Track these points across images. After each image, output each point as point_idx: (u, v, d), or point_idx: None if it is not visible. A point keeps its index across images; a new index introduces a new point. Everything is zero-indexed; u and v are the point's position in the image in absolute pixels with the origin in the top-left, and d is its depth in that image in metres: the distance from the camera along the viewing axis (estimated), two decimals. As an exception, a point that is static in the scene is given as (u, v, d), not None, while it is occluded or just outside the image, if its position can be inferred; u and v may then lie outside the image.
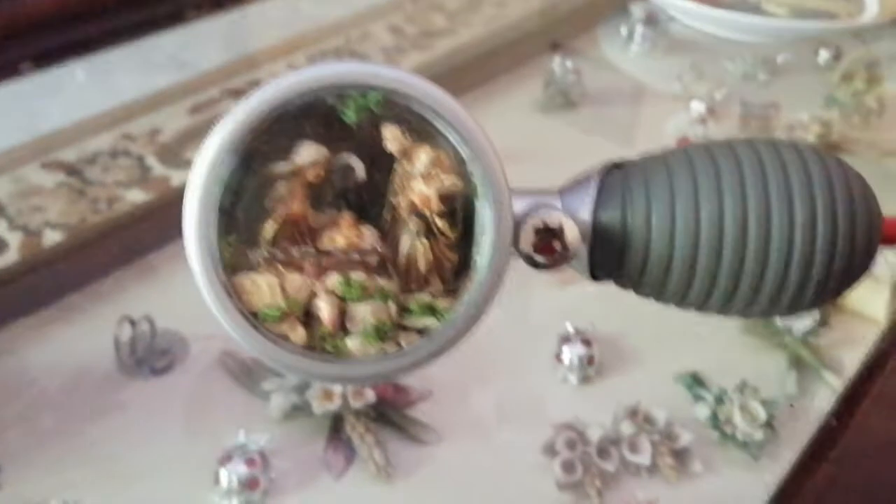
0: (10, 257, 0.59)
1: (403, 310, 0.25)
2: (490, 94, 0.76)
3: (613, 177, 0.27)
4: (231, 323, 0.24)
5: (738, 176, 0.26)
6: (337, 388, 0.48)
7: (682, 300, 0.27)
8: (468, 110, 0.25)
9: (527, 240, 0.26)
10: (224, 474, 0.43)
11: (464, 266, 0.26)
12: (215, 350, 0.50)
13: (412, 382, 0.50)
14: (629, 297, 0.57)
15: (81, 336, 0.51)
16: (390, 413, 0.48)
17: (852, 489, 0.26)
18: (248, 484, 0.43)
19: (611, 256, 0.27)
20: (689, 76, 0.74)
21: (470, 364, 0.52)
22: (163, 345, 0.50)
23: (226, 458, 0.43)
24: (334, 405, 0.48)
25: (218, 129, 0.24)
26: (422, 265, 0.25)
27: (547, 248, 0.26)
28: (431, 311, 0.25)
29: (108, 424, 0.47)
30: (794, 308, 0.26)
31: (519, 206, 0.26)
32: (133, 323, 0.49)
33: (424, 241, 0.25)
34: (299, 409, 0.48)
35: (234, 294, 0.24)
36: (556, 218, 0.26)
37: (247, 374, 0.49)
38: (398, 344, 0.25)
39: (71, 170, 0.73)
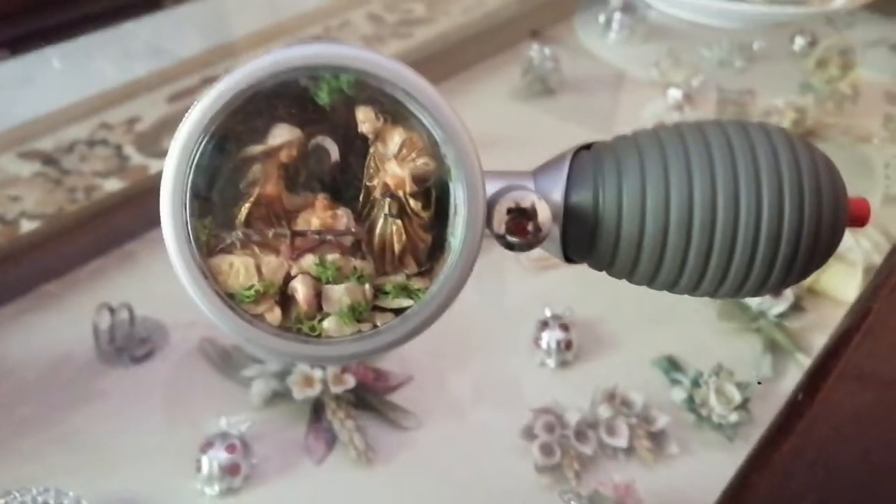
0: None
1: (379, 291, 0.26)
2: (469, 82, 0.77)
3: (585, 159, 0.28)
4: (207, 304, 0.24)
5: (707, 157, 0.26)
6: (317, 374, 0.48)
7: (653, 280, 0.28)
8: (442, 93, 0.25)
9: (500, 220, 0.26)
10: (205, 461, 0.43)
11: (438, 247, 0.26)
12: (195, 337, 0.50)
13: (393, 368, 0.50)
14: (607, 282, 0.58)
15: (60, 325, 0.51)
16: (371, 398, 0.48)
17: (817, 460, 0.26)
18: (229, 470, 0.43)
19: (583, 237, 0.27)
20: (665, 63, 0.75)
21: (449, 350, 0.52)
22: (142, 333, 0.50)
23: (207, 445, 0.44)
24: (315, 391, 0.48)
25: (192, 113, 0.24)
26: (396, 246, 0.26)
27: (520, 228, 0.26)
28: (406, 291, 0.26)
29: (88, 412, 0.47)
30: (763, 288, 0.27)
31: (492, 187, 0.26)
32: (112, 311, 0.49)
33: (398, 221, 0.26)
34: (280, 396, 0.48)
35: (211, 275, 0.25)
36: (528, 199, 0.26)
37: (227, 361, 0.49)
38: (374, 324, 0.25)
39: (48, 159, 0.73)
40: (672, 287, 0.28)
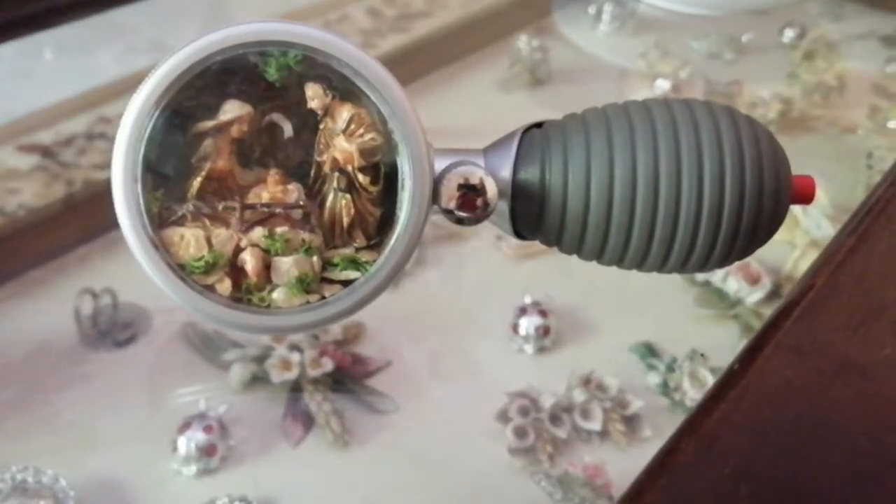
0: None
1: (327, 263, 0.26)
2: (456, 73, 0.77)
3: (535, 136, 0.28)
4: (158, 275, 0.25)
5: (651, 134, 0.27)
6: (295, 358, 0.49)
7: (600, 255, 0.28)
8: (387, 70, 0.26)
9: (449, 196, 0.27)
10: (182, 441, 0.44)
11: (387, 221, 0.27)
12: (177, 322, 0.51)
13: (371, 353, 0.51)
14: (587, 271, 0.58)
15: (44, 310, 0.52)
16: (348, 382, 0.49)
17: (745, 426, 0.27)
18: (206, 450, 0.44)
19: (531, 213, 0.28)
20: (653, 54, 0.75)
21: (428, 336, 0.53)
22: (125, 317, 0.51)
23: (184, 426, 0.44)
24: (293, 374, 0.49)
25: (143, 87, 0.25)
26: (345, 219, 0.26)
27: (469, 204, 0.27)
28: (355, 264, 0.26)
29: (71, 395, 0.48)
30: (708, 262, 0.27)
31: (441, 163, 0.27)
32: (95, 295, 0.50)
33: (347, 196, 0.26)
34: (258, 379, 0.49)
35: (162, 247, 0.25)
36: (476, 174, 0.26)
37: (208, 346, 0.50)
38: (322, 296, 0.26)
39: (46, 152, 0.74)
40: (619, 262, 0.29)
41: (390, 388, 0.49)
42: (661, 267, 0.28)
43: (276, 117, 0.26)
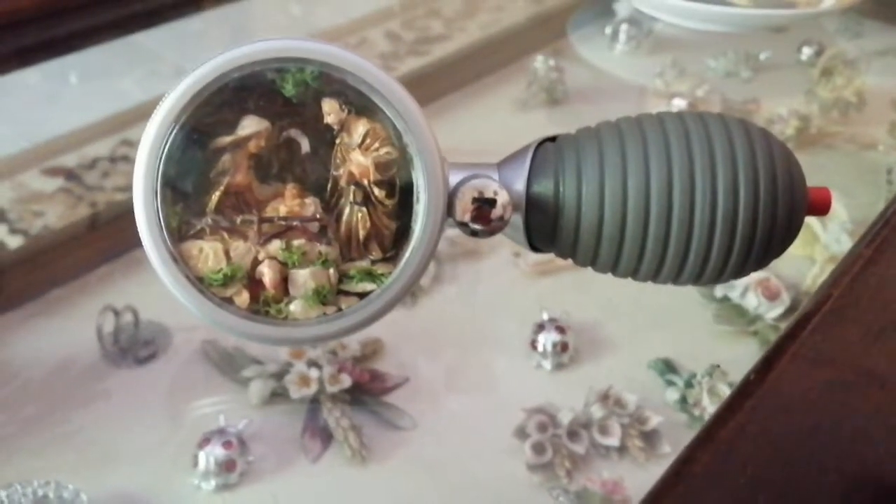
0: (1, 253, 0.61)
1: (344, 275, 0.27)
2: (474, 94, 0.78)
3: (548, 150, 0.29)
4: (177, 287, 0.26)
5: (664, 147, 0.27)
6: (314, 374, 0.49)
7: (615, 268, 0.28)
8: (401, 85, 0.26)
9: (463, 209, 0.27)
10: (202, 457, 0.44)
11: (403, 234, 0.27)
12: (197, 340, 0.52)
13: (389, 370, 0.51)
14: (605, 287, 0.58)
15: (67, 328, 0.53)
16: (366, 399, 0.49)
17: (761, 436, 0.27)
18: (226, 466, 0.44)
19: (545, 226, 0.28)
20: (670, 73, 0.76)
21: (446, 352, 0.53)
22: (146, 335, 0.52)
23: (204, 442, 0.45)
24: (311, 391, 0.49)
25: (162, 104, 0.26)
26: (360, 232, 0.27)
27: (483, 217, 0.27)
28: (370, 276, 0.27)
29: (91, 411, 0.48)
30: (723, 274, 0.27)
31: (456, 177, 0.27)
32: (116, 313, 0.50)
33: (363, 209, 0.27)
34: (277, 395, 0.49)
35: (182, 260, 0.26)
36: (490, 188, 0.27)
37: (227, 362, 0.51)
38: (338, 308, 0.26)
39: (70, 175, 0.75)
40: (634, 274, 0.29)
41: (408, 404, 0.49)
42: (676, 279, 0.28)
43: (294, 133, 0.27)
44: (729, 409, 0.28)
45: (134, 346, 0.51)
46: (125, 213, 0.64)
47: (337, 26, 1.04)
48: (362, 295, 0.27)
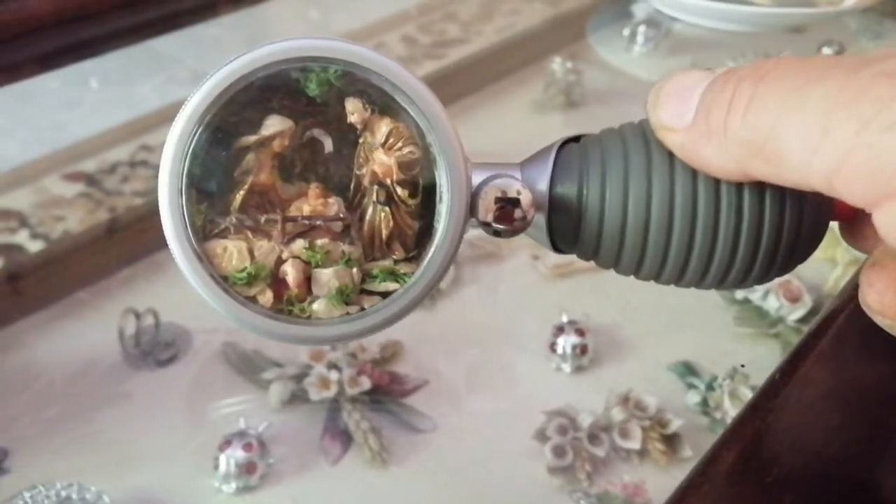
0: (22, 257, 0.61)
1: (367, 275, 0.27)
2: (492, 96, 0.78)
3: (572, 150, 0.28)
4: (202, 286, 0.26)
5: None
6: (333, 376, 0.49)
7: (637, 271, 0.28)
8: (425, 84, 0.26)
9: (486, 209, 0.27)
10: (223, 459, 0.44)
11: (426, 233, 0.27)
12: (218, 342, 0.52)
13: (409, 372, 0.51)
14: (624, 289, 0.58)
15: (89, 330, 0.53)
16: (386, 401, 0.49)
17: (787, 436, 0.26)
18: (246, 468, 0.44)
19: (568, 227, 0.28)
20: (689, 75, 0.75)
21: (466, 354, 0.53)
22: (167, 337, 0.52)
23: (225, 444, 0.45)
24: (331, 393, 0.49)
25: (187, 104, 0.26)
26: (384, 232, 0.27)
27: (506, 216, 0.27)
28: (393, 275, 0.27)
29: (113, 413, 0.48)
30: (747, 279, 0.27)
31: (479, 177, 0.27)
32: (138, 316, 0.51)
33: (386, 208, 0.27)
34: (297, 398, 0.49)
35: (206, 259, 0.26)
36: (513, 187, 0.27)
37: (248, 365, 0.51)
38: (361, 307, 0.26)
39: (90, 180, 0.76)
40: (657, 277, 0.28)
41: (428, 406, 0.49)
42: (700, 282, 0.28)
43: (317, 132, 0.27)
44: (754, 409, 0.28)
45: (155, 349, 0.51)
46: (144, 217, 0.65)
47: (353, 30, 1.05)
48: (385, 294, 0.27)
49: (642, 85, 0.81)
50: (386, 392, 0.50)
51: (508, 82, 0.80)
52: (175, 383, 0.50)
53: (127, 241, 0.61)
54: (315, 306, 0.26)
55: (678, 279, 0.28)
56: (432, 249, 0.26)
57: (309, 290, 0.26)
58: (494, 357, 0.53)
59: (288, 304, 0.26)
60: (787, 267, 0.28)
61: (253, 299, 0.26)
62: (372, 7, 1.09)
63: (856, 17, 0.85)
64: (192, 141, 0.26)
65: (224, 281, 0.26)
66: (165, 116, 0.85)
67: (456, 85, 0.83)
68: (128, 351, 0.51)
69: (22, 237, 0.66)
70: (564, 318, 0.52)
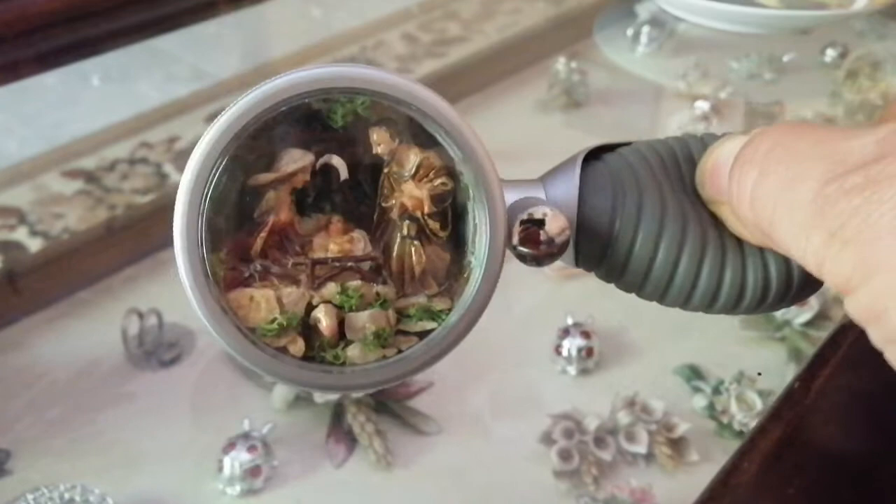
0: (23, 255, 0.61)
1: (401, 314, 0.25)
2: (495, 95, 0.78)
3: (599, 169, 0.27)
4: (229, 341, 0.24)
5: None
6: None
7: (663, 296, 0.27)
8: (459, 112, 0.25)
9: (514, 232, 0.25)
10: (227, 461, 0.44)
11: (455, 265, 0.25)
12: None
13: (413, 374, 0.51)
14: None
15: (92, 330, 0.53)
16: (391, 404, 0.49)
17: (807, 446, 0.26)
18: (251, 471, 0.44)
19: (594, 249, 0.27)
20: (693, 75, 0.75)
21: (471, 357, 0.53)
22: (171, 338, 0.51)
23: (229, 446, 0.44)
24: (335, 395, 0.49)
25: (201, 144, 0.23)
26: (416, 268, 0.25)
27: (532, 239, 0.25)
28: (429, 313, 0.25)
29: (116, 413, 0.48)
30: (777, 304, 0.27)
31: (507, 199, 0.26)
32: (141, 316, 0.50)
33: (416, 243, 0.25)
34: (302, 400, 0.49)
35: (231, 311, 0.24)
36: (541, 210, 0.25)
37: (251, 366, 0.50)
38: (398, 349, 0.25)
39: (90, 177, 0.75)
40: (684, 304, 0.28)
41: (433, 409, 0.49)
42: (732, 310, 0.27)
43: (329, 158, 0.25)
44: (774, 419, 0.27)
45: (158, 349, 0.51)
46: (144, 217, 0.65)
47: (354, 29, 1.04)
48: (422, 334, 0.25)
49: (646, 85, 0.80)
50: (391, 394, 0.50)
51: (511, 82, 0.80)
52: (179, 384, 0.50)
53: (129, 239, 0.61)
54: (350, 352, 0.24)
55: (709, 306, 0.27)
56: (471, 285, 0.25)
57: (342, 335, 0.24)
58: (499, 359, 0.53)
59: (320, 351, 0.24)
60: (811, 290, 0.27)
61: (283, 349, 0.24)
62: (372, 5, 1.08)
63: (861, 19, 0.84)
64: (209, 185, 0.23)
65: (252, 333, 0.24)
66: (165, 114, 0.85)
67: (457, 84, 0.82)
68: (131, 351, 0.50)
69: (21, 234, 0.65)
70: (570, 321, 0.52)
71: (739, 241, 0.26)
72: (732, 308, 0.26)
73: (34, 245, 0.64)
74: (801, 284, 0.26)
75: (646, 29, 0.80)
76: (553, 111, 0.74)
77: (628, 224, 0.26)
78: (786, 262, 0.26)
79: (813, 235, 0.20)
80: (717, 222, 0.26)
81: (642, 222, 0.26)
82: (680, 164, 0.27)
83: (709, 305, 0.26)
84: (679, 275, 0.26)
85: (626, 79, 0.80)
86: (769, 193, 0.21)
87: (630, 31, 0.82)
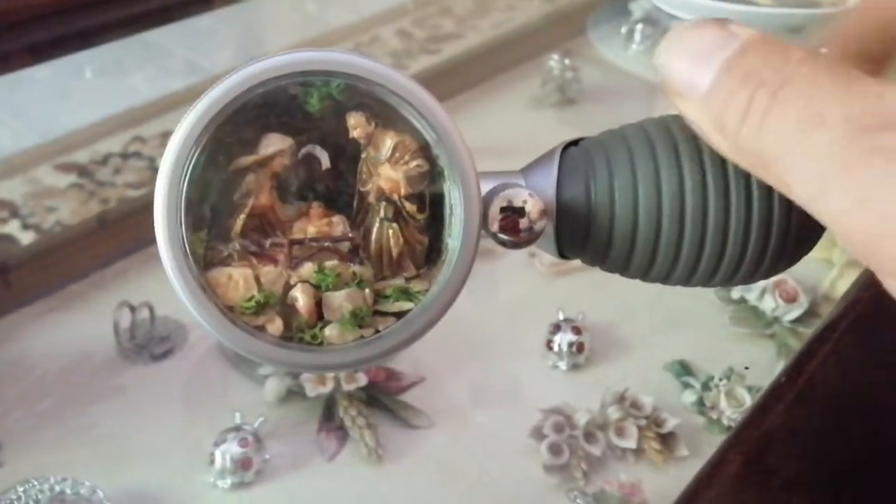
0: (13, 248, 0.61)
1: (378, 295, 0.25)
2: (488, 92, 0.78)
3: (575, 154, 0.28)
4: (207, 318, 0.24)
5: (695, 148, 0.26)
6: (329, 373, 0.49)
7: (646, 274, 0.28)
8: (432, 95, 0.25)
9: (493, 219, 0.26)
10: (218, 454, 0.44)
11: (434, 248, 0.26)
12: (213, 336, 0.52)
13: (405, 368, 0.51)
14: (622, 288, 0.58)
15: (82, 323, 0.53)
16: (382, 397, 0.49)
17: (793, 439, 0.26)
18: (242, 464, 0.44)
19: (576, 233, 0.27)
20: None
21: (462, 352, 0.53)
22: (162, 331, 0.51)
23: (220, 440, 0.45)
24: (327, 389, 0.49)
25: (181, 127, 0.24)
26: (394, 250, 0.25)
27: (512, 226, 0.26)
28: (407, 294, 0.25)
29: (107, 407, 0.48)
30: (756, 274, 0.27)
31: (484, 187, 0.26)
32: (133, 309, 0.50)
33: (395, 225, 0.25)
34: (294, 393, 0.49)
35: (210, 289, 0.24)
36: (520, 196, 0.26)
37: (243, 360, 0.50)
38: (375, 329, 0.25)
39: (82, 171, 0.75)
40: (665, 279, 0.28)
41: (424, 403, 0.49)
42: (709, 281, 0.27)
43: (312, 148, 0.25)
44: (760, 411, 0.28)
45: (150, 343, 0.51)
46: (136, 211, 0.65)
47: (349, 24, 1.04)
48: (399, 314, 0.25)
49: (639, 83, 0.81)
50: (382, 388, 0.50)
51: (505, 78, 0.80)
52: (170, 378, 0.50)
53: (121, 233, 0.61)
54: (327, 332, 0.25)
55: (687, 279, 0.28)
56: (447, 267, 0.25)
57: (319, 315, 0.25)
58: (490, 354, 0.53)
59: (298, 331, 0.25)
60: (796, 254, 0.27)
61: (261, 328, 0.24)
62: (367, 1, 1.08)
63: (853, 18, 0.84)
64: (188, 166, 0.24)
65: (230, 311, 0.24)
66: (158, 108, 0.84)
67: (451, 81, 0.82)
68: (122, 345, 0.50)
69: (13, 227, 0.65)
70: (561, 316, 0.52)
71: (724, 181, 0.26)
72: (720, 251, 0.26)
73: (26, 238, 0.63)
74: (799, 221, 0.26)
75: (639, 26, 0.80)
76: (546, 108, 0.75)
77: (603, 196, 0.26)
78: (788, 203, 0.25)
79: (832, 191, 0.17)
80: (697, 163, 0.26)
81: (616, 189, 0.26)
82: (658, 131, 0.27)
83: (696, 259, 0.26)
84: (664, 228, 0.26)
85: (619, 76, 0.80)
86: (783, 128, 0.19)
87: (624, 29, 0.82)
